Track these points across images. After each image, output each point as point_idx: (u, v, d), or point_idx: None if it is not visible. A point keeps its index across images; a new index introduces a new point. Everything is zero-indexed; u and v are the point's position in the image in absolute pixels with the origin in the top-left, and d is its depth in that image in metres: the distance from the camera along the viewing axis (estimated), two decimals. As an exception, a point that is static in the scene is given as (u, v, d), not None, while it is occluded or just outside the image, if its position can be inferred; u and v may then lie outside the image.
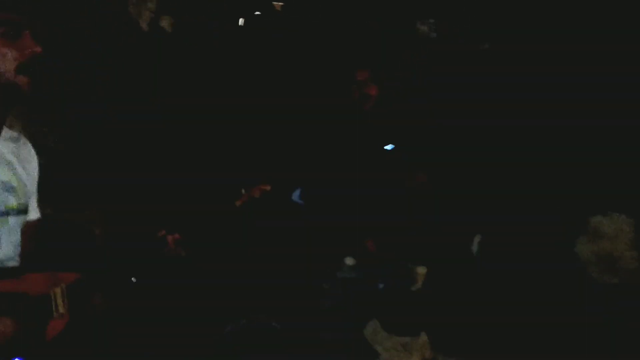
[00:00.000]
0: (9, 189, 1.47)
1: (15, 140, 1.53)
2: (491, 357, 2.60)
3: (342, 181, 2.63)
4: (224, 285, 2.40)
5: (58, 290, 1.37)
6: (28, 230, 1.55)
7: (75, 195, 2.60)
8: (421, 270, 2.87)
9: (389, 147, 2.78)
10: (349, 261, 2.69)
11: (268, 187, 1.70)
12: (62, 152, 2.53)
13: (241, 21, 3.27)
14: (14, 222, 1.47)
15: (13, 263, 1.46)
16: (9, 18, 1.38)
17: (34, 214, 1.59)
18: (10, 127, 1.54)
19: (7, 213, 1.45)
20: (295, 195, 1.90)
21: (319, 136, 2.79)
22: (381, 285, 2.66)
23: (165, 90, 2.77)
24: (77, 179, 2.59)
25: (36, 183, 1.60)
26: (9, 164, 1.48)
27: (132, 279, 1.70)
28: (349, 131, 2.75)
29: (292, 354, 2.36)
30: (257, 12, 3.13)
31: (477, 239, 2.99)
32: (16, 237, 1.47)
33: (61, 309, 1.36)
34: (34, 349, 1.31)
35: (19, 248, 1.49)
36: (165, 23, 3.14)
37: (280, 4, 3.13)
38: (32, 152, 1.60)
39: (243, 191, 1.77)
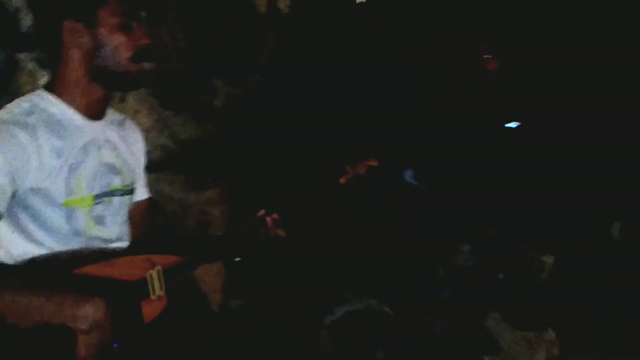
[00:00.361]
0: (114, 170, 1.49)
1: (120, 123, 1.56)
2: (628, 356, 2.33)
3: (458, 163, 2.46)
4: (327, 268, 2.34)
5: (154, 273, 1.37)
6: (136, 210, 1.59)
7: (197, 176, 2.67)
8: (548, 259, 2.63)
9: (513, 124, 2.55)
10: (467, 247, 2.53)
11: (375, 163, 1.59)
12: (182, 135, 2.59)
13: None
14: (119, 202, 1.49)
15: (120, 243, 1.49)
16: (125, 8, 1.40)
17: (141, 194, 1.62)
18: (116, 111, 1.57)
19: (112, 194, 1.48)
20: (408, 176, 1.77)
21: (436, 114, 2.63)
22: (501, 275, 2.46)
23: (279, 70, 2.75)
24: (199, 161, 2.65)
25: (142, 164, 1.63)
26: (113, 146, 1.51)
27: (236, 259, 1.68)
28: (468, 108, 2.56)
29: (403, 341, 2.25)
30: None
31: (617, 225, 2.68)
32: (121, 217, 1.50)
33: (158, 292, 1.36)
34: (131, 331, 1.31)
35: (125, 228, 1.52)
36: (282, 4, 3.10)
37: None
38: (138, 134, 1.62)
39: (348, 168, 1.66)
